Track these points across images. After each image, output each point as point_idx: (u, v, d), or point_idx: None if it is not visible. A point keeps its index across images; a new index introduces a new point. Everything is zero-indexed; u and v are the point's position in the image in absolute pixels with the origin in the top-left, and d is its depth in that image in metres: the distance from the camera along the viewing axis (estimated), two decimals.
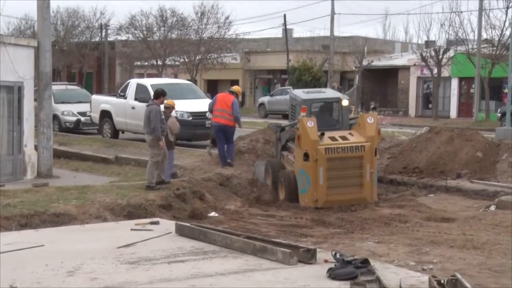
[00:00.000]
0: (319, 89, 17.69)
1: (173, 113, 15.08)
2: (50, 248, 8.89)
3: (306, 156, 13.41)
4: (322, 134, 13.55)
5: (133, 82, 22.94)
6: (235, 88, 16.18)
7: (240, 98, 15.95)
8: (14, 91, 15.68)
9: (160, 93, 13.67)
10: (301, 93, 15.10)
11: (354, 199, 13.49)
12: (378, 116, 14.66)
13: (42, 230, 10.29)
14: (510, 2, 37.03)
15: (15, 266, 7.88)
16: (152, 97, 14.23)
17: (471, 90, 41.18)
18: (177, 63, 48.69)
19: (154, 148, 13.28)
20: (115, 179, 15.90)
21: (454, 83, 42.97)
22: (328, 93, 16.05)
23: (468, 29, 47.48)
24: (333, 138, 13.68)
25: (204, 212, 12.51)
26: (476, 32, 37.54)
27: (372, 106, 14.94)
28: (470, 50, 37.95)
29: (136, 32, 48.79)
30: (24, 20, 52.93)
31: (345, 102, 14.54)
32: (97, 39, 53.87)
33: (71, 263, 8.03)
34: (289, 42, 50.77)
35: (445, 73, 40.56)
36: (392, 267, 8.14)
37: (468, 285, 6.68)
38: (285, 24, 51.85)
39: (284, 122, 17.84)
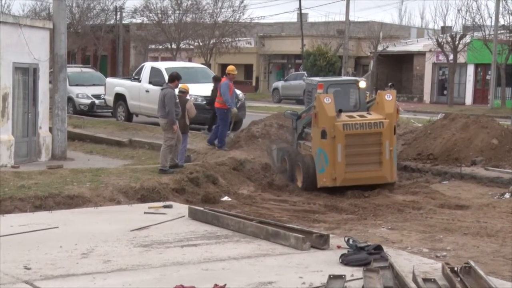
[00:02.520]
0: (336, 77, 17.68)
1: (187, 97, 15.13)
2: (64, 230, 8.95)
3: (323, 134, 13.17)
4: (340, 111, 13.29)
5: (148, 66, 22.93)
6: (228, 68, 16.25)
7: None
8: (30, 73, 15.73)
9: (175, 77, 13.65)
10: (317, 78, 15.08)
11: (373, 177, 13.22)
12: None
13: (56, 212, 10.36)
14: None
15: (29, 247, 7.94)
16: (166, 81, 14.24)
17: (487, 77, 40.82)
18: (191, 46, 48.59)
19: (168, 131, 13.30)
20: (129, 162, 15.97)
21: (470, 69, 42.62)
22: (345, 78, 16.04)
23: (485, 14, 47.17)
24: (350, 116, 13.45)
25: (217, 197, 12.54)
26: (493, 18, 37.18)
27: (389, 84, 14.62)
28: (487, 36, 37.58)
29: (150, 15, 48.66)
30: (39, 2, 53.00)
31: (362, 84, 14.28)
32: (112, 22, 53.83)
33: (85, 245, 8.08)
34: (304, 26, 50.51)
35: (461, 59, 40.22)
36: (405, 253, 8.13)
37: (481, 272, 6.66)
38: (300, 8, 51.58)
39: (298, 108, 17.76)
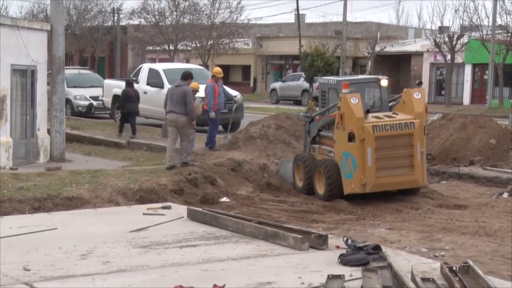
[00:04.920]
0: (350, 76, 17.03)
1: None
2: (63, 231, 8.96)
3: (350, 137, 12.26)
4: (368, 112, 12.50)
5: (146, 67, 22.95)
6: (214, 70, 16.27)
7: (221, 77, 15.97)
8: (28, 74, 15.72)
9: (189, 75, 14.10)
10: (333, 77, 14.19)
11: (405, 182, 12.46)
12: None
13: (55, 213, 10.37)
14: None
15: (28, 248, 7.94)
16: (180, 78, 14.23)
17: (485, 77, 40.88)
18: (189, 48, 48.60)
19: (187, 128, 13.76)
20: (127, 163, 15.96)
21: (468, 69, 42.67)
22: (362, 77, 15.36)
23: (482, 15, 47.17)
24: (377, 117, 12.55)
25: (216, 197, 12.54)
26: (491, 18, 37.23)
27: (417, 82, 13.95)
28: (484, 36, 37.64)
29: (148, 16, 48.68)
30: (36, 4, 53.07)
31: (383, 82, 13.29)
32: (110, 23, 53.82)
33: (84, 246, 8.08)
34: (302, 27, 50.50)
35: (459, 59, 40.26)
36: (404, 253, 8.15)
37: (480, 272, 6.67)
38: (297, 9, 51.56)
39: (296, 108, 17.68)
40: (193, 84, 14.53)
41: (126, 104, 19.54)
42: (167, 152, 13.90)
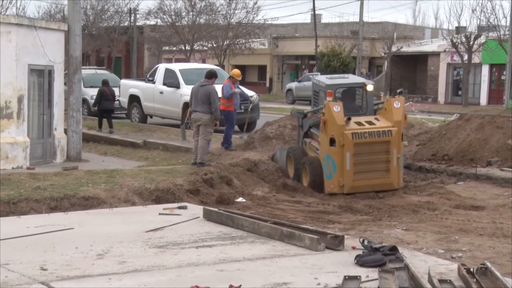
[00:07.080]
0: (342, 75, 17.42)
1: None
2: (80, 231, 9.00)
3: (332, 141, 13.25)
4: (349, 119, 13.38)
5: (162, 67, 23.03)
6: (234, 72, 16.31)
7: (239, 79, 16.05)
8: (45, 74, 15.82)
9: (213, 74, 14.34)
10: (324, 79, 14.93)
11: (380, 185, 13.34)
12: (408, 103, 14.43)
13: (72, 213, 10.41)
14: None
15: (45, 248, 7.99)
16: (204, 77, 14.36)
17: (502, 77, 40.57)
18: (205, 48, 48.69)
19: (209, 126, 13.96)
20: (143, 163, 16.01)
21: (485, 69, 42.39)
22: (352, 78, 15.89)
23: (500, 15, 46.81)
24: (359, 123, 13.49)
25: (232, 198, 12.54)
26: (508, 18, 36.97)
27: (398, 91, 14.72)
28: (502, 36, 37.36)
29: (164, 17, 48.82)
30: (54, 4, 53.47)
31: (370, 87, 14.28)
32: (126, 23, 54.08)
33: (100, 246, 8.11)
34: (318, 27, 50.47)
35: (476, 59, 39.99)
36: (421, 254, 8.10)
37: (498, 273, 6.62)
38: (313, 9, 51.54)
39: (308, 108, 17.68)
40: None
41: (102, 102, 20.55)
42: (193, 149, 14.32)
